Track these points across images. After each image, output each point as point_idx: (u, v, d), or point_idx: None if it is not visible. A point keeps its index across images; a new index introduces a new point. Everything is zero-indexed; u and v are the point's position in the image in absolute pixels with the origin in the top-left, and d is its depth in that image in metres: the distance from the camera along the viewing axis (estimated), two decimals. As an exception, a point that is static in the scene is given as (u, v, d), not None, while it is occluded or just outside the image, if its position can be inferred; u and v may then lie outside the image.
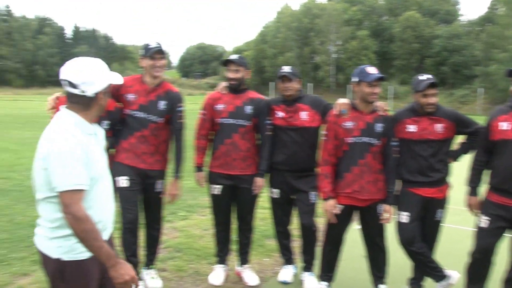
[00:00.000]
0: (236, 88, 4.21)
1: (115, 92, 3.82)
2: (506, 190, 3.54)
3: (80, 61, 2.29)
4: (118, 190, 3.80)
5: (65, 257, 2.26)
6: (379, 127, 3.84)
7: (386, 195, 3.88)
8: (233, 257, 4.68)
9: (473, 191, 3.80)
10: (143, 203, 4.12)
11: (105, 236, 2.44)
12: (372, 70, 3.78)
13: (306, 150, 4.16)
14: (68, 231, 2.21)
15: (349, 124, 3.83)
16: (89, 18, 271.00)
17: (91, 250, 2.20)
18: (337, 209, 3.87)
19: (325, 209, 3.92)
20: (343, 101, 3.91)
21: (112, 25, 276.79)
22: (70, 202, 2.12)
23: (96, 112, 2.35)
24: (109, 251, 2.22)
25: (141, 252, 4.40)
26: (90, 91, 2.24)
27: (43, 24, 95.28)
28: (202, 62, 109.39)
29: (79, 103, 2.27)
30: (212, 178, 4.28)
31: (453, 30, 60.53)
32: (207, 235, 5.58)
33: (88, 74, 2.24)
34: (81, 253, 2.29)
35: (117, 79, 2.39)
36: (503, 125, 3.57)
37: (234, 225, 4.47)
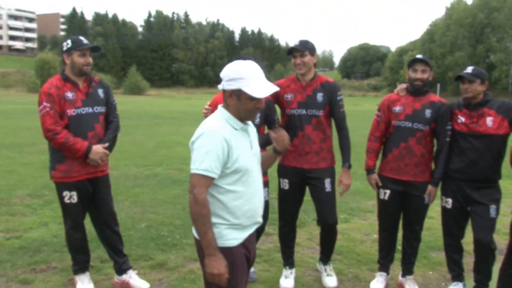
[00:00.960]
0: (418, 90, 4.02)
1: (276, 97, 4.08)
2: None
3: (237, 61, 2.44)
4: (280, 190, 4.11)
5: None
6: None
7: None
8: (396, 266, 4.48)
9: None
10: (314, 202, 4.19)
11: (252, 228, 2.55)
12: None
13: (488, 159, 3.77)
14: (216, 219, 2.38)
15: None
16: (256, 20, 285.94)
17: (197, 232, 2.35)
18: None
19: None
20: None
21: (277, 26, 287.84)
22: (195, 184, 2.31)
23: (237, 111, 2.42)
24: (211, 240, 2.32)
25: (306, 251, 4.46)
26: (223, 87, 2.40)
27: (215, 29, 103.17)
28: (364, 63, 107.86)
29: (224, 98, 2.44)
30: (382, 182, 4.15)
31: None
32: (368, 240, 5.43)
33: (226, 72, 2.38)
34: (228, 240, 2.42)
35: (263, 90, 2.36)
36: None
37: (400, 233, 4.28)
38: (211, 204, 2.36)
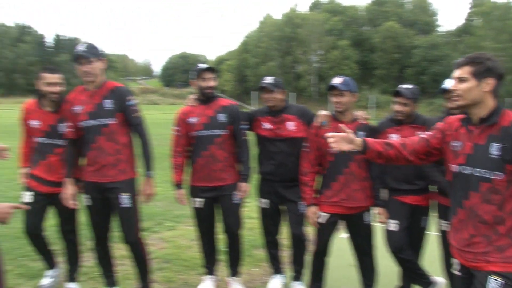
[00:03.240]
0: (209, 98, 4.20)
1: (67, 112, 3.84)
2: None
3: None
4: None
5: None
6: (361, 135, 3.86)
7: (374, 200, 3.97)
8: (223, 267, 4.64)
9: None
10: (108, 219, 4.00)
11: None
12: (335, 80, 3.86)
13: (294, 159, 4.16)
14: None
15: None
16: (71, 26, 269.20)
17: None
18: (321, 217, 3.93)
19: (307, 216, 3.99)
20: (324, 112, 3.96)
21: (95, 34, 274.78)
22: None
23: None
24: None
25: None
26: None
27: (23, 32, 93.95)
28: (184, 71, 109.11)
29: None
30: (193, 192, 4.24)
31: (432, 41, 61.93)
32: (194, 246, 5.51)
33: None
34: None
35: None
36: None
37: (222, 235, 4.42)
38: None
